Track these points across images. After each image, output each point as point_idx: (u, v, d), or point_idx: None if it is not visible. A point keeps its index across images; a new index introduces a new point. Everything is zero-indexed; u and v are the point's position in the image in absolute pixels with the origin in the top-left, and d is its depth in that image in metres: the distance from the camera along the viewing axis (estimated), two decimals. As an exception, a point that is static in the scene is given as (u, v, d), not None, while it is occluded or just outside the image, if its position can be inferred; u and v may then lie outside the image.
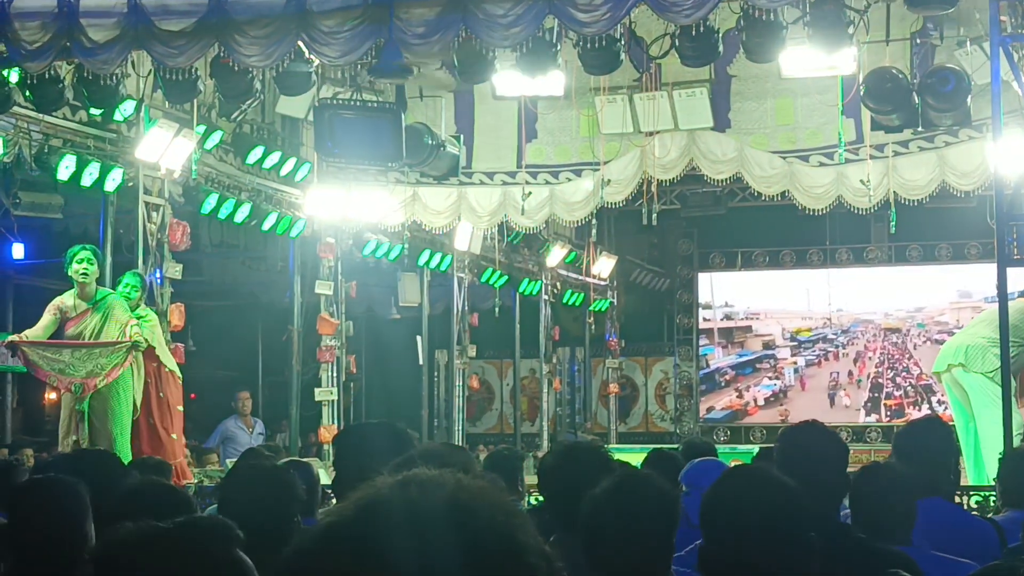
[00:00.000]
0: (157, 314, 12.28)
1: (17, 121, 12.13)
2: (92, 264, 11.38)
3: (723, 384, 23.85)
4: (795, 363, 23.72)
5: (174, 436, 11.94)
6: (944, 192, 15.00)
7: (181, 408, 12.34)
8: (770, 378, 23.82)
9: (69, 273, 11.42)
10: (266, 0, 9.16)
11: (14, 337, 11.27)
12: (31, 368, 11.32)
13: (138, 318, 11.74)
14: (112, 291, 11.75)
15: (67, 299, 11.44)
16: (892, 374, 22.76)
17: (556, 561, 1.64)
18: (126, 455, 10.64)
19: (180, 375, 12.36)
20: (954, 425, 13.38)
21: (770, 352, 23.89)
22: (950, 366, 14.13)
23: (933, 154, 14.71)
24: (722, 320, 23.92)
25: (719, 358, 23.99)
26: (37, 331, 11.32)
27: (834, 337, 23.20)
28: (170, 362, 12.21)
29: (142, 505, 4.16)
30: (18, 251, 16.92)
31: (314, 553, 1.61)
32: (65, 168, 12.39)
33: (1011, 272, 11.05)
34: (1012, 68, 10.71)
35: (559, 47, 10.08)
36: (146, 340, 11.47)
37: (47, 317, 11.39)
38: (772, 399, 23.52)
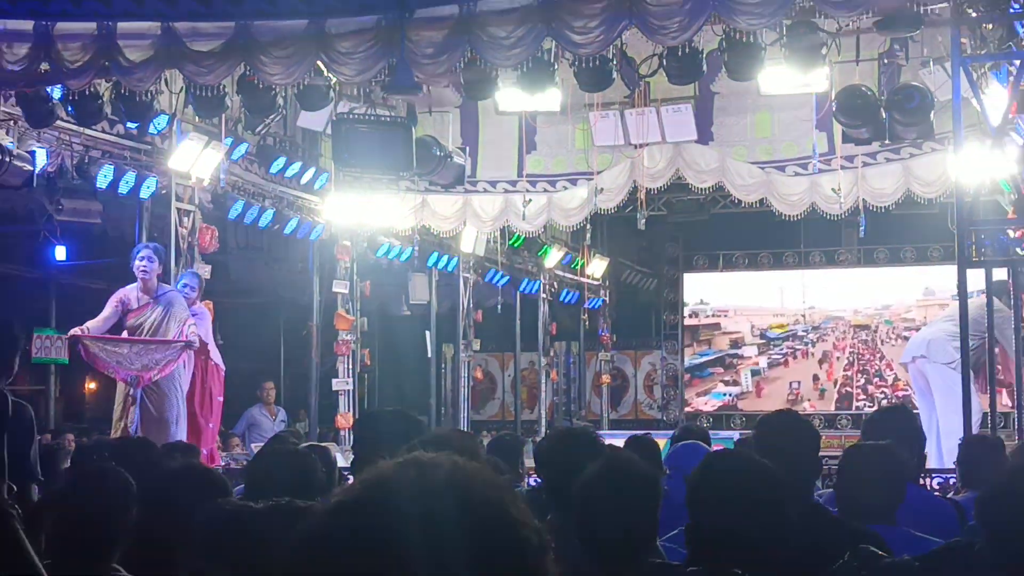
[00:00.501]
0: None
1: (60, 134, 12.17)
2: (152, 261, 11.40)
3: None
4: (756, 363, 23.22)
5: (211, 424, 11.95)
6: (909, 199, 15.00)
7: (221, 398, 12.37)
8: (725, 383, 23.37)
9: (132, 269, 11.47)
10: (288, 23, 9.16)
11: (76, 331, 11.24)
12: (91, 360, 11.29)
13: (193, 314, 11.78)
14: (172, 287, 11.78)
15: (130, 292, 11.45)
16: (863, 380, 22.33)
17: (546, 536, 1.64)
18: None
19: (224, 368, 12.43)
20: (918, 412, 13.42)
21: (734, 351, 23.39)
22: (915, 358, 14.17)
23: (899, 165, 14.71)
24: (689, 317, 23.66)
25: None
26: (98, 322, 11.30)
27: (804, 334, 22.84)
28: (216, 356, 12.28)
29: (184, 486, 4.17)
30: (60, 253, 16.90)
31: (325, 527, 1.61)
32: (104, 177, 12.42)
33: (970, 273, 11.07)
34: (971, 86, 10.72)
35: (556, 66, 10.08)
36: (199, 337, 11.50)
37: (108, 309, 11.39)
38: (722, 410, 22.97)
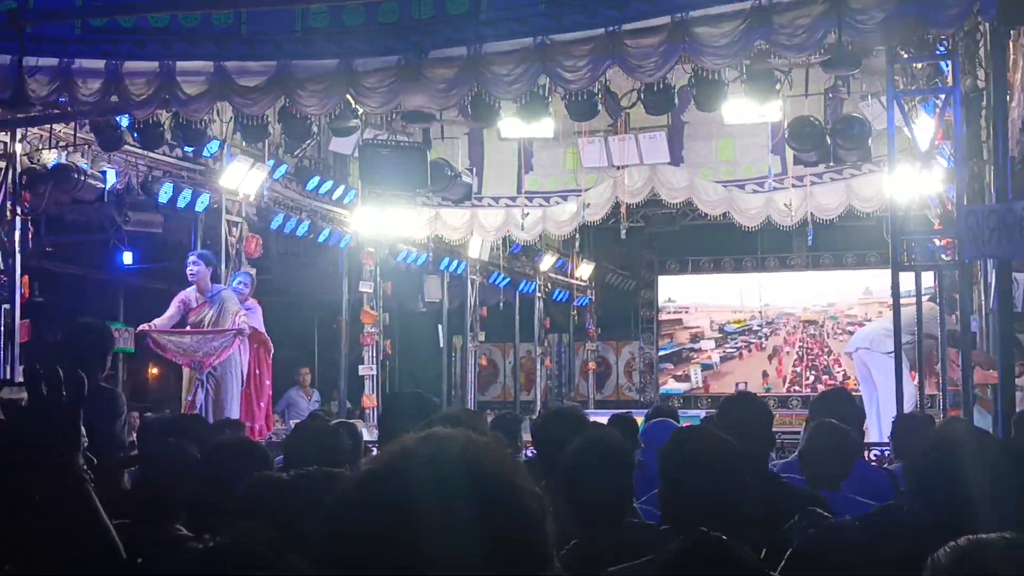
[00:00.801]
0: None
1: (127, 156, 12.20)
2: (198, 266, 11.39)
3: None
4: (710, 358, 22.93)
5: (261, 404, 11.91)
6: (850, 213, 15.01)
7: (269, 382, 12.29)
8: (676, 378, 23.14)
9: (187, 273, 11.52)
10: (321, 63, 9.16)
11: (144, 327, 11.28)
12: (161, 350, 11.31)
13: (247, 309, 11.76)
14: (225, 286, 11.71)
15: (190, 293, 11.41)
16: (812, 377, 22.01)
17: (546, 501, 1.65)
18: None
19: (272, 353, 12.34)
20: (859, 395, 13.43)
21: (693, 345, 23.07)
22: (859, 348, 14.18)
23: (842, 183, 14.72)
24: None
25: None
26: (163, 319, 11.29)
27: (759, 328, 22.69)
28: (268, 344, 12.18)
29: (229, 456, 4.17)
30: (127, 258, 16.93)
31: (358, 491, 1.61)
32: (164, 193, 12.46)
33: (903, 276, 11.08)
34: (904, 117, 10.72)
35: (550, 99, 10.09)
36: (251, 327, 11.49)
37: (172, 308, 11.38)
38: (691, 392, 22.62)
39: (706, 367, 22.92)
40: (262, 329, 12.03)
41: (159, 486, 4.13)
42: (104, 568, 2.33)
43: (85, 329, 6.65)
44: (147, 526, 3.78)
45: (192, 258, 11.56)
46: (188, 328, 11.32)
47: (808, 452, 5.40)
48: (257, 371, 11.85)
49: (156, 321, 11.29)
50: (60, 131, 11.93)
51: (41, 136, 11.96)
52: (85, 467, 2.39)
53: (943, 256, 11.32)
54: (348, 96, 9.33)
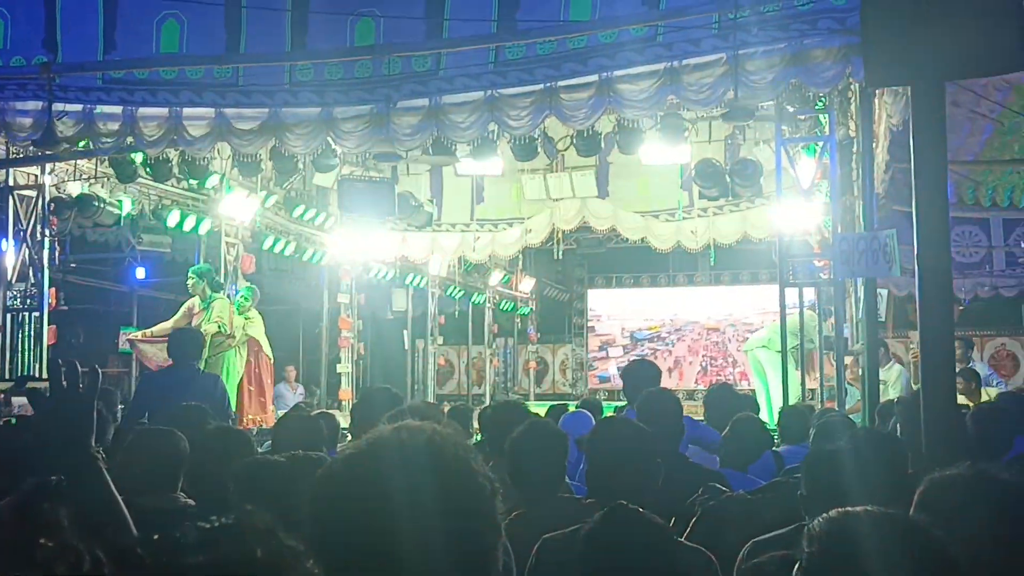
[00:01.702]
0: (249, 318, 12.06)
1: (140, 187, 12.07)
2: (190, 279, 11.27)
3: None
4: (605, 369, 22.50)
5: (263, 400, 11.74)
6: (746, 239, 15.16)
7: (270, 381, 12.13)
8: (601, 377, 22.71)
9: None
10: (306, 110, 9.12)
11: (131, 336, 11.25)
12: (143, 358, 11.17)
13: (247, 319, 11.61)
14: (220, 296, 11.40)
15: (194, 301, 11.29)
16: (712, 380, 21.05)
17: (496, 482, 1.67)
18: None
19: (272, 358, 12.13)
20: (753, 389, 13.53)
21: (600, 353, 22.67)
22: (754, 348, 14.29)
23: (739, 214, 14.86)
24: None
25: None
26: (167, 324, 11.13)
27: (667, 336, 22.50)
28: (267, 349, 12.00)
29: (219, 442, 4.14)
30: (140, 273, 16.78)
31: (340, 473, 1.63)
32: (173, 218, 12.34)
33: (789, 290, 11.21)
34: (789, 160, 10.86)
35: (498, 142, 10.11)
36: (248, 335, 11.36)
37: (180, 312, 11.30)
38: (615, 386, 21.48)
39: (602, 379, 22.42)
40: (260, 337, 11.82)
41: (156, 459, 4.06)
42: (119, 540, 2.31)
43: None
44: (149, 494, 3.73)
45: (190, 272, 11.47)
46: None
47: (727, 439, 5.44)
48: (257, 370, 11.69)
49: (154, 329, 11.19)
50: (83, 165, 11.82)
51: (67, 169, 11.86)
52: (98, 448, 2.37)
53: (821, 275, 11.46)
54: (328, 138, 9.29)
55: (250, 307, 11.93)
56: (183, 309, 11.32)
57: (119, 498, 2.38)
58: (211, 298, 11.26)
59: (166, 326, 11.18)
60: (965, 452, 4.94)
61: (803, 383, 11.97)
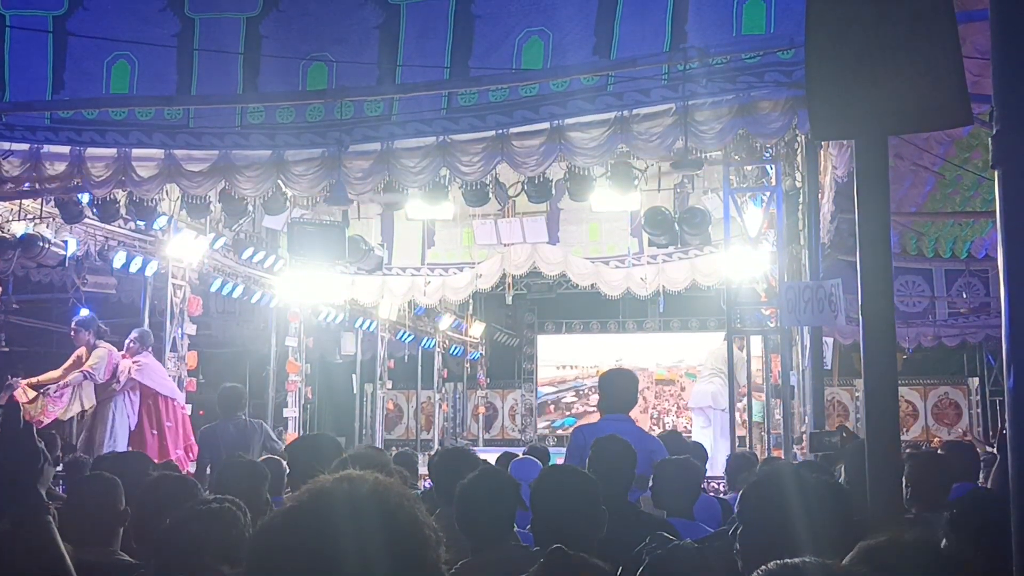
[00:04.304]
0: (180, 358, 11.81)
1: (86, 228, 11.90)
2: (73, 330, 11.18)
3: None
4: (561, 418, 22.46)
5: (166, 442, 11.19)
6: (694, 285, 15.30)
7: (170, 423, 11.38)
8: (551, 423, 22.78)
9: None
10: (257, 153, 9.08)
11: (26, 381, 10.91)
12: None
13: (136, 364, 11.19)
14: (102, 345, 11.13)
15: (83, 351, 11.07)
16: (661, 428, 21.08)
17: (440, 531, 1.66)
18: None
19: (175, 400, 11.54)
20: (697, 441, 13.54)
21: (559, 396, 22.76)
22: (703, 407, 14.31)
23: (687, 262, 15.01)
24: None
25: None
26: (55, 372, 10.96)
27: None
28: (169, 392, 11.47)
29: (162, 490, 4.04)
30: (85, 314, 16.50)
31: (282, 524, 1.60)
32: (119, 259, 12.19)
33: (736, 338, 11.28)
34: (737, 209, 11.00)
35: (449, 187, 10.13)
36: (137, 381, 11.01)
37: (68, 362, 11.06)
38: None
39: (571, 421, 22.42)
40: (149, 383, 11.21)
41: (92, 512, 3.97)
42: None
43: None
44: (88, 550, 3.64)
45: (72, 324, 11.29)
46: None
47: (657, 488, 5.42)
48: (157, 414, 11.16)
49: (50, 373, 10.98)
50: (28, 205, 11.64)
51: (11, 209, 11.67)
52: (48, 505, 2.30)
53: (768, 323, 11.58)
54: (279, 181, 9.25)
55: (138, 351, 11.31)
56: (72, 359, 11.10)
57: (64, 552, 2.31)
58: (95, 347, 11.04)
59: (54, 375, 10.99)
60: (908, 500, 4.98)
61: (750, 430, 12.03)
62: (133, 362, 11.17)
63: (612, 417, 6.18)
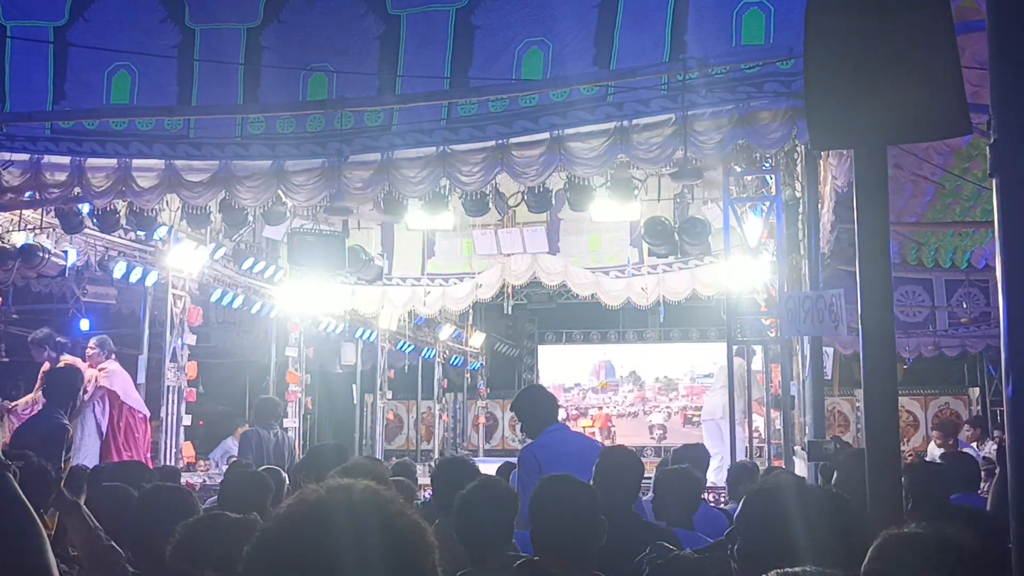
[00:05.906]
0: (179, 369, 11.76)
1: (87, 238, 11.91)
2: (33, 349, 11.15)
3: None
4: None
5: (129, 454, 10.90)
6: (694, 296, 15.28)
7: (138, 435, 11.23)
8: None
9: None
10: (257, 163, 9.09)
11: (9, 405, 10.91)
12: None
13: (102, 371, 11.07)
14: (65, 358, 11.03)
15: (47, 366, 10.93)
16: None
17: (435, 540, 1.67)
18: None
19: (143, 413, 11.41)
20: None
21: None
22: (710, 419, 14.26)
23: (687, 272, 15.00)
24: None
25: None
26: (30, 396, 10.92)
27: (617, 391, 22.55)
28: (134, 404, 11.32)
29: (159, 500, 4.05)
30: (85, 325, 16.47)
31: (279, 532, 1.61)
32: (119, 270, 12.18)
33: (736, 347, 11.28)
34: (736, 219, 10.99)
35: (449, 197, 10.13)
36: (107, 388, 10.90)
37: (38, 382, 10.89)
38: None
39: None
40: (118, 389, 11.08)
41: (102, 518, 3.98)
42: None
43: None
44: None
45: (29, 343, 11.25)
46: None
47: (658, 498, 5.42)
48: (122, 423, 10.98)
49: (25, 397, 10.96)
50: (28, 215, 11.65)
51: (12, 219, 11.67)
52: (9, 463, 2.25)
53: (769, 333, 11.57)
54: (279, 192, 9.25)
55: (102, 359, 11.19)
56: (40, 379, 10.95)
57: (33, 514, 2.22)
58: (56, 362, 10.93)
59: (29, 399, 10.94)
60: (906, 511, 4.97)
61: (751, 441, 12.02)
62: (99, 369, 11.06)
63: (551, 429, 6.08)
